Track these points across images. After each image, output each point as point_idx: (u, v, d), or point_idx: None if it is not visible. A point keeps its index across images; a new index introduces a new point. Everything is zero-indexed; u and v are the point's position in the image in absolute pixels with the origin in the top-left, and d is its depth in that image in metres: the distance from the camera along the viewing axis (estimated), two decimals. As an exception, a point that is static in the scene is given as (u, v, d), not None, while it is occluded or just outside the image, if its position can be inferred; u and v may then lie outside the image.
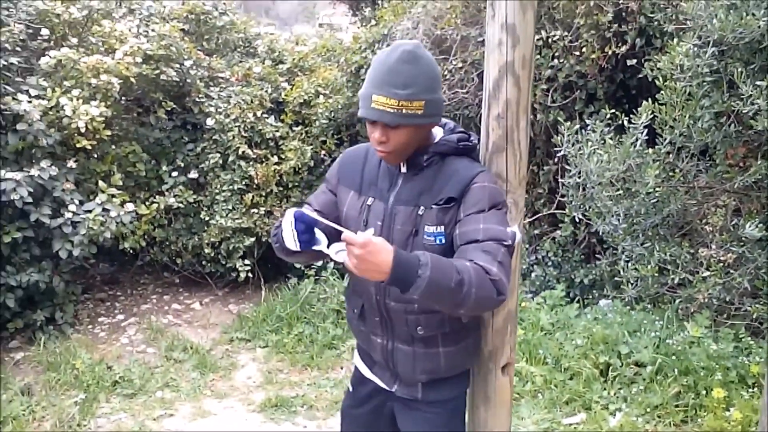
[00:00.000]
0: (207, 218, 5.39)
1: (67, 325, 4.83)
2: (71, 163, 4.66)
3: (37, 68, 4.89)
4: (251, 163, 5.47)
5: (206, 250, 5.42)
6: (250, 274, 5.47)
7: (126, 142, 5.25)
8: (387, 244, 1.61)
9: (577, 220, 4.35)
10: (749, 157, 3.73)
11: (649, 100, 3.55)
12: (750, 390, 3.61)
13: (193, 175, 5.49)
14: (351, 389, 2.29)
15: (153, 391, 4.18)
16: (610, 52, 4.59)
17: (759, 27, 3.09)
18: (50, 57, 4.77)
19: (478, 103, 5.38)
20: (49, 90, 4.65)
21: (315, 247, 1.77)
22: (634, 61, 4.44)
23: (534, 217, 5.28)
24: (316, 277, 5.37)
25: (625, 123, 3.62)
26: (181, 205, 5.34)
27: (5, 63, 4.61)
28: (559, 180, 4.86)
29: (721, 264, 3.69)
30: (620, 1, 4.53)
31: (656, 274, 3.81)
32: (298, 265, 5.40)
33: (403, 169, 1.94)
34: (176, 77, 5.38)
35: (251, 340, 4.95)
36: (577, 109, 4.93)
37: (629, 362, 3.97)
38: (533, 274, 5.18)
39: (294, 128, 5.87)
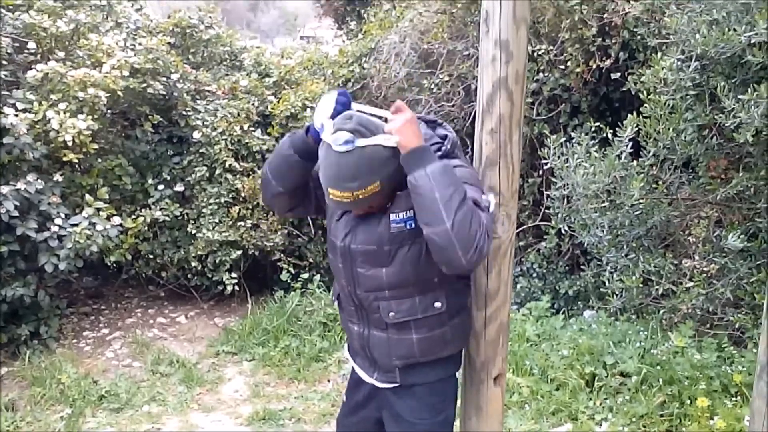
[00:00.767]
0: (193, 231, 5.37)
1: (52, 339, 4.78)
2: (57, 177, 4.62)
3: (23, 81, 4.86)
4: (238, 176, 5.46)
5: (193, 263, 5.39)
6: (236, 287, 5.46)
7: (112, 156, 5.22)
8: None
9: (563, 231, 4.40)
10: (731, 169, 3.80)
11: (633, 113, 3.61)
12: (733, 399, 3.66)
13: (180, 188, 5.46)
14: (345, 399, 2.33)
15: (139, 405, 4.16)
16: (594, 66, 4.68)
17: (740, 42, 3.16)
18: (37, 70, 4.74)
19: (464, 116, 5.45)
20: (35, 103, 4.61)
21: (323, 135, 1.87)
22: (618, 74, 4.52)
23: (519, 229, 5.33)
24: (303, 290, 5.35)
25: (610, 136, 3.69)
26: (167, 218, 5.30)
27: (-8, 76, 4.59)
28: (544, 192, 4.92)
29: (704, 275, 3.75)
30: (604, 16, 4.61)
31: (640, 285, 3.86)
32: (284, 276, 5.41)
33: None
34: (163, 90, 5.37)
35: (238, 353, 4.93)
36: (562, 122, 5.00)
37: (614, 372, 4.00)
38: (518, 286, 5.22)
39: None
